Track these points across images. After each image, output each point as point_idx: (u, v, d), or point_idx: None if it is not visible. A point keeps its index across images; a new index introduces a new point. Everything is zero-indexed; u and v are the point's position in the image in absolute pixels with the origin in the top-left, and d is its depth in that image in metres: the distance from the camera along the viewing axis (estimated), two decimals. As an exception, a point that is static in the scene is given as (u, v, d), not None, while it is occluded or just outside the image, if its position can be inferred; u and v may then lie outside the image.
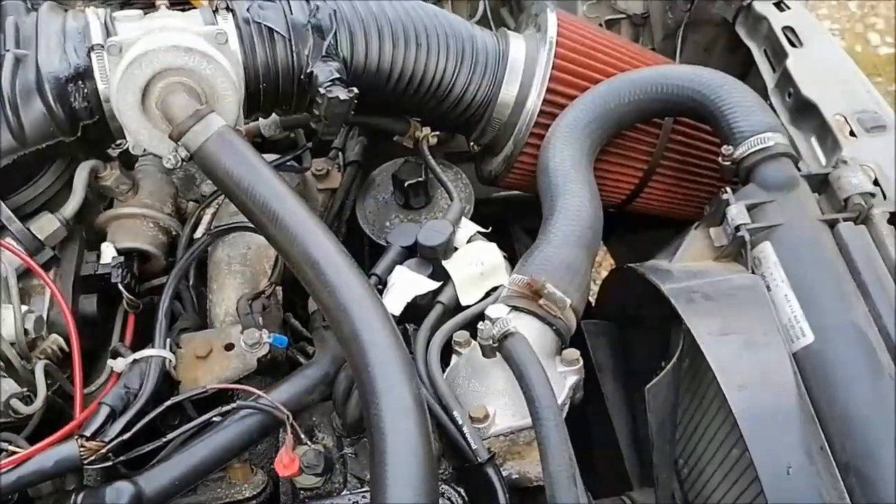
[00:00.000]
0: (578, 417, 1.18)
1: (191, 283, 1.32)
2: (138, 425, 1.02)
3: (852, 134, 1.36)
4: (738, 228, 1.21)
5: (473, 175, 1.64)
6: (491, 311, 1.06)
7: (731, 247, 1.23)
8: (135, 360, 1.11)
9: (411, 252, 1.30)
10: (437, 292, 1.24)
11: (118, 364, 1.12)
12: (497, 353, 1.06)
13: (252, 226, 1.23)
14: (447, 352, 1.17)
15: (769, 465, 0.98)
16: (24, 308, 1.10)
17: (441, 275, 1.27)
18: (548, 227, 1.24)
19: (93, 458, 0.98)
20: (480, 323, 1.06)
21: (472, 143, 1.58)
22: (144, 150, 1.18)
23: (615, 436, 1.48)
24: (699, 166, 1.57)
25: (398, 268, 1.27)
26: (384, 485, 0.85)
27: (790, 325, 1.14)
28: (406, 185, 1.48)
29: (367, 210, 1.53)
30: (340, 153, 1.62)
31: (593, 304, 1.70)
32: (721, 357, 1.07)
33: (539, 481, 1.10)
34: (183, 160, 1.08)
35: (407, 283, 1.23)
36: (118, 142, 1.24)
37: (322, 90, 1.21)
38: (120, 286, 1.20)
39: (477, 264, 1.26)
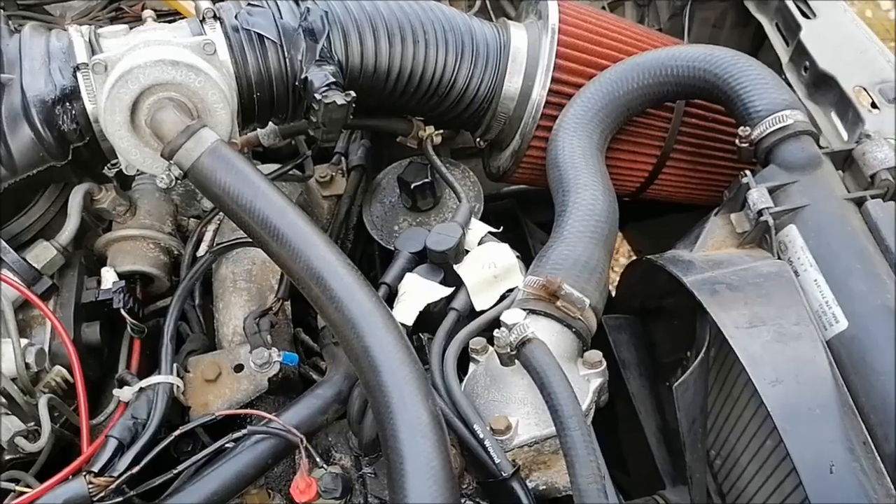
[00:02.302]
0: (606, 415, 1.13)
1: (196, 302, 1.29)
2: (147, 458, 0.98)
3: (874, 106, 1.31)
4: (760, 213, 1.16)
5: (482, 171, 1.59)
6: (507, 317, 1.01)
7: (755, 232, 1.18)
8: (141, 389, 1.07)
9: (421, 257, 1.26)
10: (450, 299, 1.19)
11: (124, 393, 1.08)
12: (516, 360, 1.01)
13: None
14: (464, 359, 1.13)
15: (810, 464, 0.93)
16: (25, 341, 1.07)
17: (453, 280, 1.23)
18: (561, 224, 1.19)
19: (102, 494, 0.94)
20: (497, 330, 1.01)
21: (478, 139, 1.53)
22: (138, 170, 1.14)
23: (644, 433, 1.44)
24: (715, 149, 1.51)
25: (408, 275, 1.22)
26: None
27: (822, 311, 1.09)
28: (412, 187, 1.43)
29: (375, 215, 1.49)
30: (343, 158, 1.57)
31: (613, 298, 1.65)
32: (751, 351, 1.02)
33: (568, 491, 1.05)
34: (177, 179, 1.04)
35: (418, 291, 1.19)
36: (112, 162, 1.20)
37: (318, 96, 1.16)
38: (123, 311, 1.16)
39: (489, 267, 1.21)
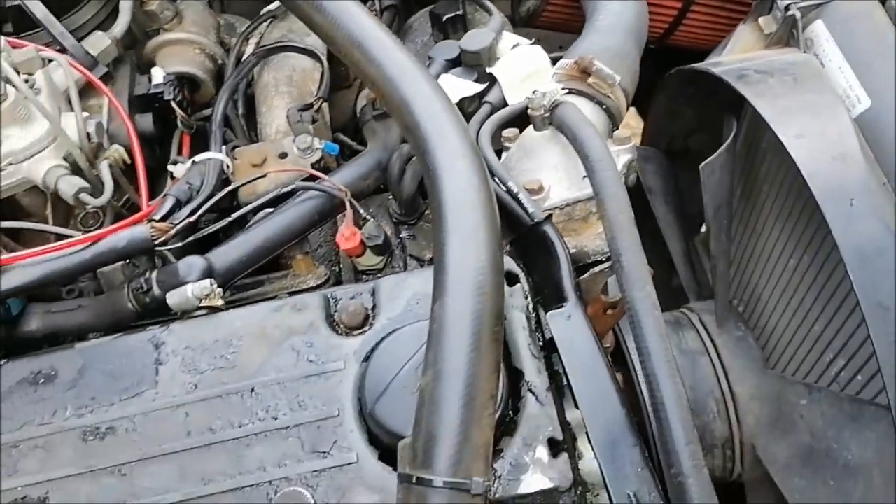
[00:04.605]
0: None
1: (240, 111, 1.33)
2: (204, 208, 1.04)
3: None
4: (787, 8, 1.19)
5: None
6: (541, 86, 1.05)
7: (782, 29, 1.21)
8: (194, 163, 1.13)
9: (454, 65, 1.30)
10: (483, 94, 1.23)
11: (178, 169, 1.14)
12: (548, 124, 1.05)
13: (296, 45, 1.25)
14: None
15: (832, 200, 0.96)
16: (85, 114, 1.12)
17: (487, 83, 1.26)
18: (591, 22, 1.23)
19: (163, 238, 1.00)
20: (530, 93, 1.05)
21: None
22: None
23: (668, 255, 1.47)
24: (744, -18, 1.52)
25: (443, 76, 1.26)
26: (445, 221, 0.83)
27: (845, 95, 1.12)
28: (444, 19, 1.46)
29: (407, 54, 1.52)
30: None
31: (638, 144, 1.68)
32: (776, 112, 1.05)
33: (597, 256, 1.09)
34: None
35: (453, 88, 1.23)
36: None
37: None
38: (173, 104, 1.21)
39: (523, 66, 1.24)
